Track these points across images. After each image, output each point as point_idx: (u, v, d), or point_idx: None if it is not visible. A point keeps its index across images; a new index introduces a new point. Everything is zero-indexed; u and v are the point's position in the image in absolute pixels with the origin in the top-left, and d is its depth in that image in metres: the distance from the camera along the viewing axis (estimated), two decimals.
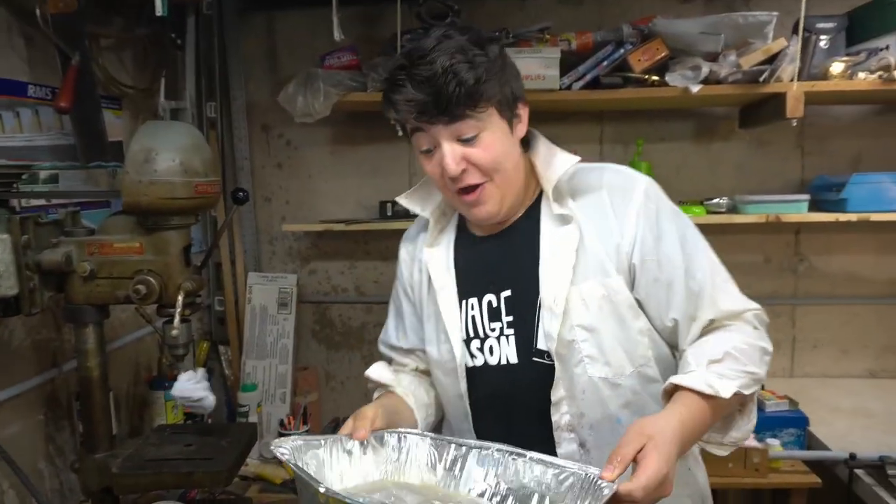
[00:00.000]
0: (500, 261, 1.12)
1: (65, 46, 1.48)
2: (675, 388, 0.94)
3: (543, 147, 1.11)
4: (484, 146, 1.00)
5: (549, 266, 1.06)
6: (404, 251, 1.25)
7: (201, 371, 1.27)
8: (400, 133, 1.15)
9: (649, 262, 1.03)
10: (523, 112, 1.07)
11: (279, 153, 2.30)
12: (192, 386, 1.26)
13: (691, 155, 2.17)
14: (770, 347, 1.02)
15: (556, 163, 1.08)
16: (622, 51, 1.81)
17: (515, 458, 0.96)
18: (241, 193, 1.41)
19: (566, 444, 1.07)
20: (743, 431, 1.02)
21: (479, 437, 1.14)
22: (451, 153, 0.99)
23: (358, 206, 2.27)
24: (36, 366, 1.53)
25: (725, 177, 2.16)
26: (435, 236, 1.19)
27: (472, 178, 1.02)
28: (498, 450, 0.97)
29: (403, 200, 1.20)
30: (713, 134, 2.15)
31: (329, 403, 2.38)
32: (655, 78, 1.81)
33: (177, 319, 1.21)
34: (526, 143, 1.10)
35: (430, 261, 1.17)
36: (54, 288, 1.27)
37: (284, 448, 0.90)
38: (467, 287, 1.14)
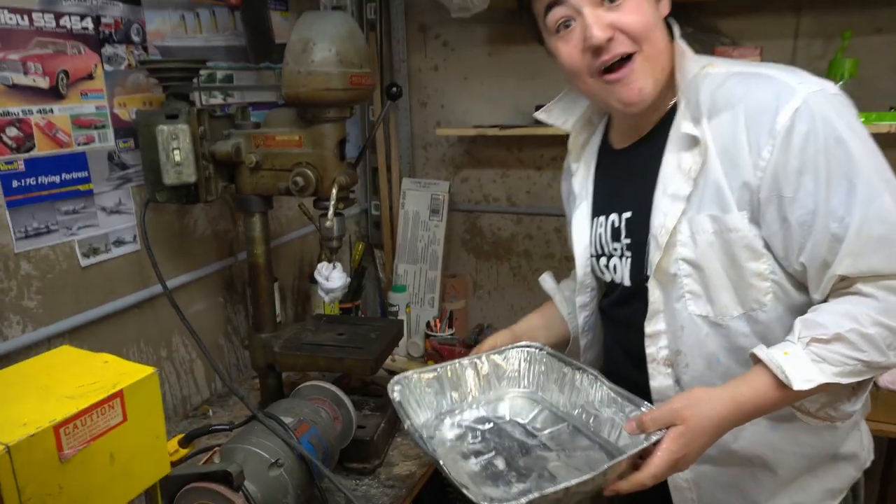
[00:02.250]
0: (627, 178, 1.04)
1: None
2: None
3: (680, 41, 0.96)
4: (632, 8, 0.89)
5: (663, 190, 0.96)
6: (566, 161, 1.23)
7: (338, 264, 1.32)
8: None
9: (780, 200, 0.86)
10: None
11: (436, 54, 2.26)
12: (343, 276, 1.31)
13: None
14: None
15: (686, 63, 0.94)
16: None
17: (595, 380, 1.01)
18: (394, 88, 1.40)
19: (661, 378, 1.02)
20: (842, 413, 0.91)
21: (594, 354, 1.21)
22: (594, 19, 0.89)
23: (514, 110, 2.18)
24: (216, 253, 1.69)
25: None
26: (578, 150, 1.15)
27: (621, 47, 0.90)
28: (592, 375, 1.02)
29: (543, 115, 1.15)
30: None
31: (476, 311, 2.41)
32: None
33: (331, 212, 1.25)
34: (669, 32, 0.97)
35: (574, 175, 1.15)
36: (227, 178, 1.37)
37: (397, 388, 1.01)
38: (600, 204, 1.10)
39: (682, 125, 0.93)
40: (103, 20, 1.34)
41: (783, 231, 0.88)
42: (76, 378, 0.67)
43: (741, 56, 1.65)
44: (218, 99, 1.66)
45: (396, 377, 1.02)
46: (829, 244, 0.84)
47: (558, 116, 1.14)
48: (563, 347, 1.23)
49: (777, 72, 0.90)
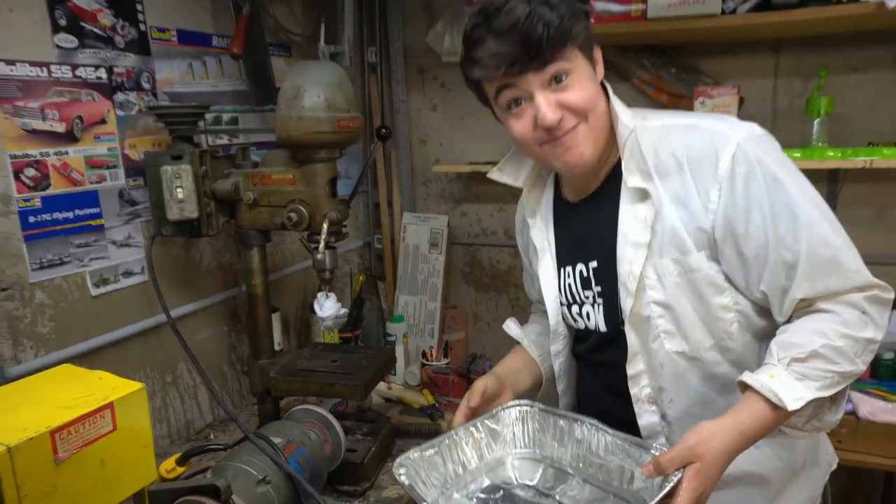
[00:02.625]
0: (588, 230, 1.11)
1: None
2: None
3: (616, 100, 1.04)
4: (577, 86, 0.96)
5: (625, 241, 1.03)
6: (518, 214, 1.30)
7: (332, 294, 1.39)
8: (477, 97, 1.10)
9: (734, 237, 0.95)
10: (598, 55, 1.02)
11: (434, 95, 2.37)
12: (336, 305, 1.38)
13: (891, 87, 1.85)
14: (877, 335, 0.92)
15: (623, 122, 1.01)
16: None
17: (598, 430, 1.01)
18: (384, 130, 1.49)
19: (647, 415, 1.08)
20: (826, 423, 0.96)
21: (571, 398, 1.26)
22: (545, 102, 0.95)
23: (508, 148, 2.27)
24: (221, 284, 1.78)
25: None
26: (533, 205, 1.21)
27: (570, 122, 0.97)
28: (591, 424, 1.02)
29: (495, 175, 1.21)
30: None
31: (475, 343, 2.47)
32: None
33: (322, 245, 1.33)
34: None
35: (532, 229, 1.20)
36: (227, 214, 1.46)
37: (402, 469, 0.95)
38: (564, 255, 1.16)
39: (630, 180, 1.01)
40: (116, 70, 1.46)
41: (741, 264, 0.96)
42: (72, 391, 0.76)
43: (719, 95, 1.73)
44: (224, 140, 1.78)
45: (399, 459, 0.97)
46: (785, 271, 0.92)
47: (510, 174, 1.20)
48: (539, 388, 1.30)
49: (708, 121, 1.00)
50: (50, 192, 1.34)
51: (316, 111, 1.27)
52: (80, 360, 1.40)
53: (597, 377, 1.19)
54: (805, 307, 0.94)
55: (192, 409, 1.70)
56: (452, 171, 2.32)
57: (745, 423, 0.87)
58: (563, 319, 1.19)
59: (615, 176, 1.05)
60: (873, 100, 1.87)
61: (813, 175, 1.86)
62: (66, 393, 0.75)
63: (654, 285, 1.01)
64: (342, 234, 1.41)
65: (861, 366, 0.92)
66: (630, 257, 1.01)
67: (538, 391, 1.30)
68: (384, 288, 2.46)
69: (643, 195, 1.00)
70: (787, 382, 0.88)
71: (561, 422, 1.06)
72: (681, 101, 1.96)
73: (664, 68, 1.94)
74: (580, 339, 1.20)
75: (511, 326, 1.35)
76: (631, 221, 1.02)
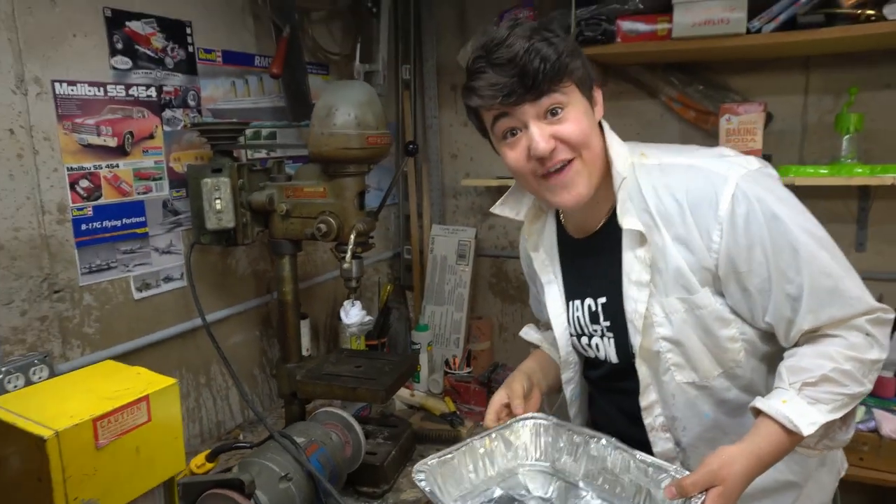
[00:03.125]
0: (594, 267, 1.14)
1: (278, 20, 1.75)
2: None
3: (613, 138, 1.06)
4: (571, 120, 0.99)
5: (629, 280, 1.05)
6: (521, 245, 1.31)
7: (357, 302, 1.45)
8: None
9: (737, 274, 0.98)
10: (598, 96, 1.05)
11: (465, 111, 2.42)
12: (361, 313, 1.44)
13: None
14: (882, 355, 0.95)
15: (620, 161, 1.03)
16: None
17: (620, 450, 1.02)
18: (411, 146, 1.56)
19: (662, 443, 1.12)
20: (838, 441, 0.98)
21: (583, 420, 1.29)
22: (539, 132, 0.98)
23: None
24: (255, 291, 1.87)
25: None
26: (535, 239, 1.23)
27: (562, 154, 1.00)
28: (607, 441, 1.04)
29: (497, 209, 1.24)
30: None
31: (501, 353, 2.50)
32: (870, 12, 1.57)
33: (349, 255, 1.39)
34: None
35: (535, 261, 1.23)
36: (262, 224, 1.54)
37: (421, 475, 0.97)
38: (572, 289, 1.20)
39: (625, 221, 1.03)
40: (165, 88, 1.56)
41: (746, 299, 0.99)
42: (113, 385, 0.83)
43: (745, 112, 1.74)
44: (262, 153, 1.87)
45: (418, 465, 0.99)
46: (790, 303, 0.96)
47: (511, 208, 1.22)
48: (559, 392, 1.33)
49: (706, 160, 1.02)
50: (101, 201, 1.44)
51: (346, 128, 1.34)
52: (122, 359, 1.47)
53: (611, 402, 1.22)
54: (812, 333, 0.97)
55: (224, 410, 1.78)
56: (481, 184, 2.37)
57: (762, 448, 0.90)
58: (574, 349, 1.22)
59: (616, 216, 1.07)
60: None
61: (842, 192, 1.90)
62: (108, 386, 0.83)
63: (662, 322, 1.04)
64: (369, 244, 1.48)
65: (868, 385, 0.95)
66: (635, 296, 1.05)
67: (558, 396, 1.33)
68: (412, 298, 2.52)
69: (641, 237, 1.03)
70: (799, 407, 0.90)
71: (576, 437, 1.07)
72: (708, 117, 1.98)
73: (692, 85, 1.96)
74: (592, 366, 1.22)
75: (529, 332, 1.39)
76: (632, 262, 1.04)
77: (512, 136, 1.02)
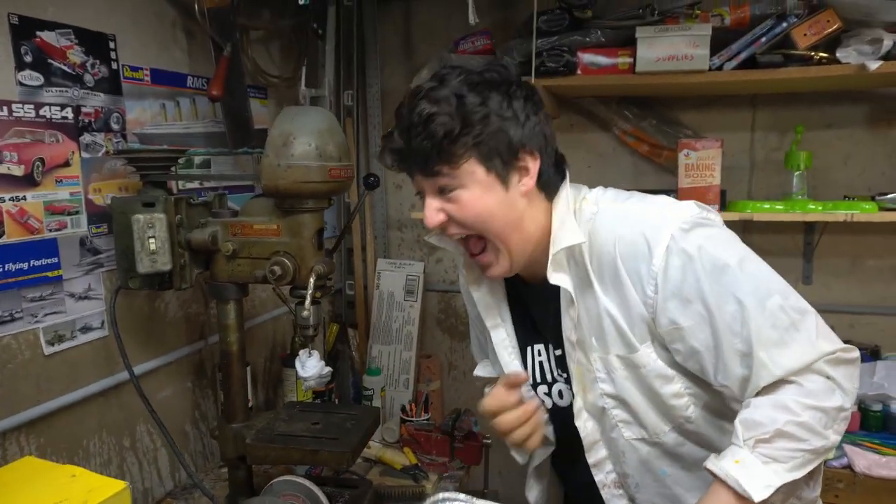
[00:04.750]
0: (547, 315, 1.06)
1: (218, 38, 1.58)
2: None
3: (563, 202, 1.00)
4: (461, 203, 0.94)
5: (566, 337, 1.01)
6: (460, 278, 1.21)
7: (315, 352, 1.30)
8: None
9: (679, 330, 0.91)
10: (531, 163, 0.96)
11: None
12: (319, 364, 1.28)
13: (863, 143, 1.90)
14: (847, 402, 0.85)
15: (562, 235, 0.97)
16: (785, 24, 1.61)
17: None
18: (372, 178, 1.43)
19: (616, 500, 1.07)
20: (805, 500, 0.93)
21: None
22: (429, 206, 0.95)
23: None
24: (186, 337, 1.66)
25: None
26: (477, 273, 1.11)
27: (454, 230, 0.97)
28: None
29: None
30: (892, 119, 1.88)
31: (451, 392, 2.38)
32: (824, 55, 1.60)
33: (308, 301, 1.24)
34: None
35: (478, 302, 1.13)
36: (202, 265, 1.36)
37: None
38: (526, 334, 1.12)
39: (553, 277, 0.97)
40: (83, 109, 1.36)
41: (694, 356, 0.92)
42: (42, 495, 0.64)
43: (703, 147, 1.74)
44: (194, 184, 1.68)
45: None
46: (740, 359, 0.88)
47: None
48: None
49: (641, 207, 0.96)
50: (3, 241, 1.21)
51: (306, 159, 1.20)
52: (30, 428, 1.26)
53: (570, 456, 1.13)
54: (770, 388, 0.88)
55: (152, 476, 1.55)
56: None
57: None
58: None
59: None
60: (846, 155, 1.92)
61: (791, 227, 1.92)
62: (34, 497, 0.63)
63: (605, 378, 0.99)
64: (327, 287, 1.32)
65: (834, 437, 0.85)
66: (570, 353, 1.01)
67: None
68: (354, 336, 2.35)
69: (570, 297, 0.98)
70: (753, 468, 0.82)
71: None
72: (661, 151, 1.97)
73: (646, 119, 1.95)
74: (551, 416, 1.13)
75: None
76: (566, 319, 1.00)
77: (422, 198, 0.98)
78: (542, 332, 1.09)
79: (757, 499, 0.80)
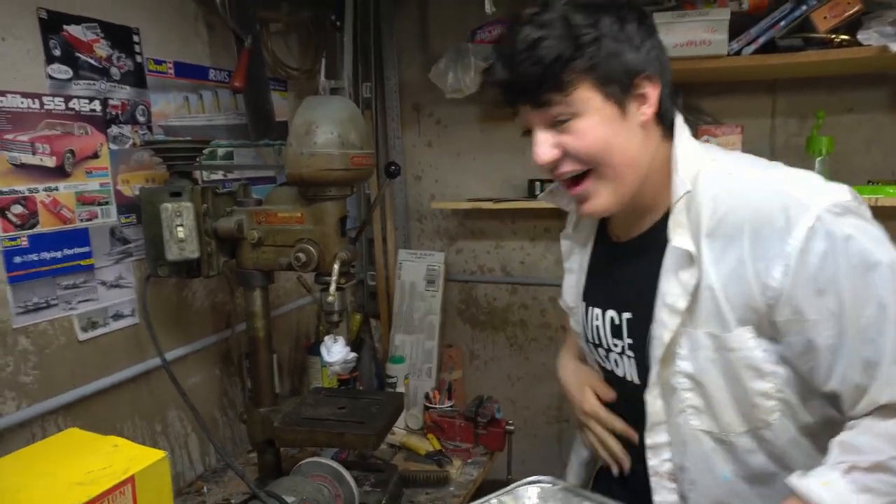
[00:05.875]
0: (627, 278, 1.00)
1: (239, 31, 1.60)
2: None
3: (682, 143, 0.91)
4: (578, 133, 0.86)
5: (662, 301, 0.91)
6: (563, 245, 1.20)
7: (340, 338, 1.32)
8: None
9: (802, 322, 0.81)
10: (651, 90, 0.87)
11: (429, 131, 2.34)
12: (344, 350, 1.31)
13: (886, 127, 1.88)
14: None
15: (684, 166, 0.89)
16: (804, 7, 1.60)
17: None
18: (393, 167, 1.44)
19: (664, 492, 0.98)
20: None
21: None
22: (541, 140, 0.88)
23: (506, 184, 2.24)
24: (213, 325, 1.69)
25: None
26: (574, 231, 1.14)
27: (568, 167, 0.89)
28: None
29: (545, 197, 1.12)
30: None
31: (472, 382, 2.40)
32: (844, 37, 1.59)
33: (332, 287, 1.26)
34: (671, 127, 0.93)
35: (567, 253, 1.14)
36: (228, 254, 1.39)
37: None
38: (594, 295, 1.07)
39: (675, 238, 0.88)
40: (110, 102, 1.39)
41: (808, 354, 0.82)
42: (86, 463, 0.67)
43: (723, 134, 1.73)
44: (218, 175, 1.71)
45: None
46: (863, 368, 0.78)
47: (561, 198, 1.08)
48: None
49: (786, 178, 0.85)
50: (38, 230, 1.25)
51: (328, 147, 1.22)
52: (66, 411, 1.30)
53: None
54: (884, 412, 0.80)
55: (183, 460, 1.59)
56: (451, 207, 2.28)
57: None
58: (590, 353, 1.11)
59: (666, 223, 0.91)
60: (868, 139, 1.90)
61: None
62: (79, 465, 0.65)
63: (686, 356, 0.90)
64: (351, 274, 1.35)
65: None
66: (664, 320, 0.90)
67: None
68: (377, 327, 2.38)
69: (689, 258, 0.87)
70: (841, 494, 0.75)
71: (585, 503, 1.00)
72: None
73: None
74: (608, 382, 1.09)
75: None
76: (672, 282, 0.89)
77: (529, 135, 0.91)
78: (613, 293, 1.03)
79: None
